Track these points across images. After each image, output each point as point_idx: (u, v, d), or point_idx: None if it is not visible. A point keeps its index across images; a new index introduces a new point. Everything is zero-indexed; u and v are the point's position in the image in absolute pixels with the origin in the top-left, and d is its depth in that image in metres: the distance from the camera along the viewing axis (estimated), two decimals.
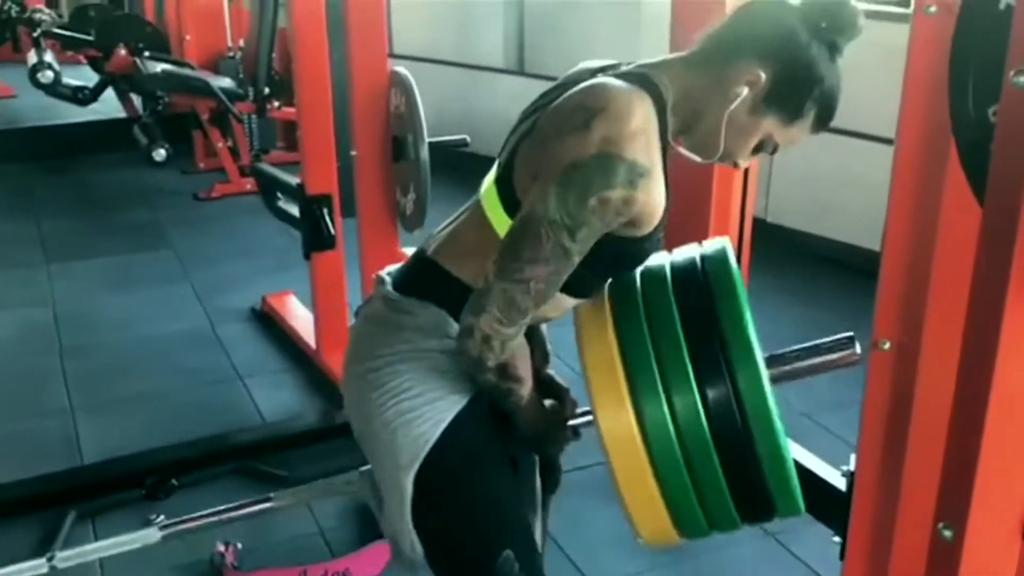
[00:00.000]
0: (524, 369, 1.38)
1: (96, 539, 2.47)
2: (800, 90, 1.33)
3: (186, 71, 5.33)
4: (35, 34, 5.58)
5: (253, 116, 5.53)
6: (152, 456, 2.76)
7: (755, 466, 1.22)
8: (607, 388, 1.21)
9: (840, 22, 1.34)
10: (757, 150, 1.40)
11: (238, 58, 5.72)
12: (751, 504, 1.27)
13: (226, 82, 5.27)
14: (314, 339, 3.40)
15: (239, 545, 2.41)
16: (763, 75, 1.32)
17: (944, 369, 1.57)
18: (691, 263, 1.31)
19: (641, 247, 1.36)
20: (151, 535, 1.91)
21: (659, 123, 1.30)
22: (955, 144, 1.24)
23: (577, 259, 1.27)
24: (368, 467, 1.63)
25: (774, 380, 1.33)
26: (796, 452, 2.11)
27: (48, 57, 5.46)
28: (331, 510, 2.63)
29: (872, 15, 4.17)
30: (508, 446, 1.53)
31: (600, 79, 1.31)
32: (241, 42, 5.79)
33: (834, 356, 1.44)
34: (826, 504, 2.05)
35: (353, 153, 2.77)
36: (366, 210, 2.82)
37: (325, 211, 3.19)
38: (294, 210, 3.41)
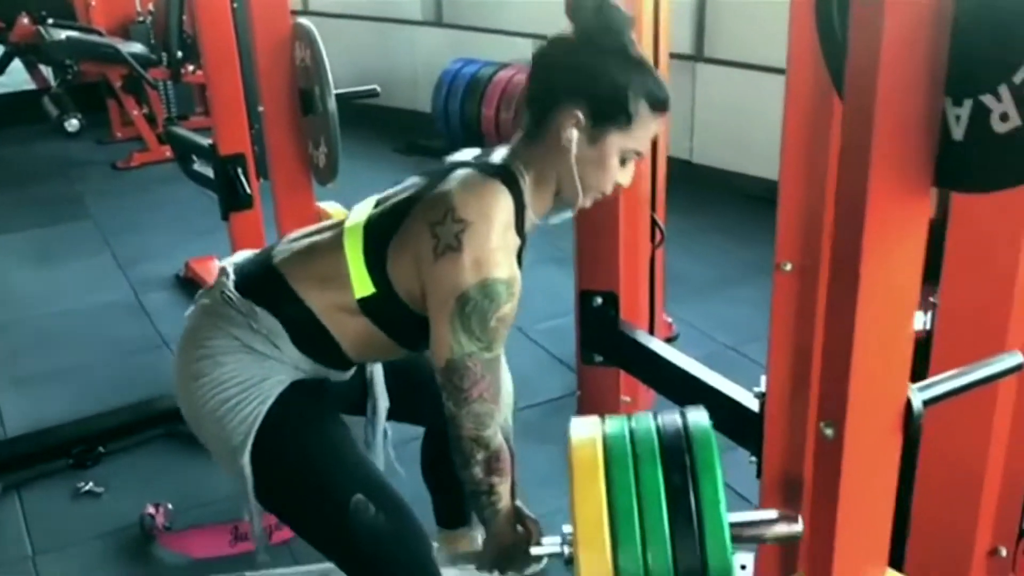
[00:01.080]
0: (506, 464, 1.55)
1: (22, 511, 2.46)
2: (616, 101, 1.44)
3: (93, 37, 5.19)
4: None
5: (168, 82, 5.42)
6: (78, 426, 2.73)
7: None
8: (592, 533, 1.32)
9: (613, 27, 1.44)
10: (623, 163, 1.52)
11: (149, 23, 5.59)
12: None
13: (137, 47, 5.16)
14: None
15: (170, 506, 2.41)
16: (579, 112, 1.44)
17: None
18: (677, 436, 1.43)
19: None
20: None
21: (517, 213, 1.47)
22: (822, 53, 1.26)
23: (501, 354, 1.49)
24: None
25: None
26: (713, 379, 2.18)
27: None
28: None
29: None
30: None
31: (465, 176, 1.47)
32: (150, 6, 5.65)
33: (782, 532, 1.63)
34: (742, 426, 2.11)
35: (261, 109, 2.73)
36: (278, 165, 2.79)
37: (239, 171, 3.15)
38: (207, 171, 3.37)
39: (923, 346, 1.61)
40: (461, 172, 1.48)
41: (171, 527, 2.37)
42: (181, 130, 3.65)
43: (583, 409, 2.54)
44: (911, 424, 1.21)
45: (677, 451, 1.41)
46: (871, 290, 1.09)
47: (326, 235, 1.57)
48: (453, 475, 1.92)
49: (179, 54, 5.13)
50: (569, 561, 1.37)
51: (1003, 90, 0.97)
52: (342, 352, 1.55)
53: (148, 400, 2.87)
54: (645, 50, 2.26)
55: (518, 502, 1.69)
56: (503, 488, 1.55)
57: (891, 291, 1.12)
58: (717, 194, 4.44)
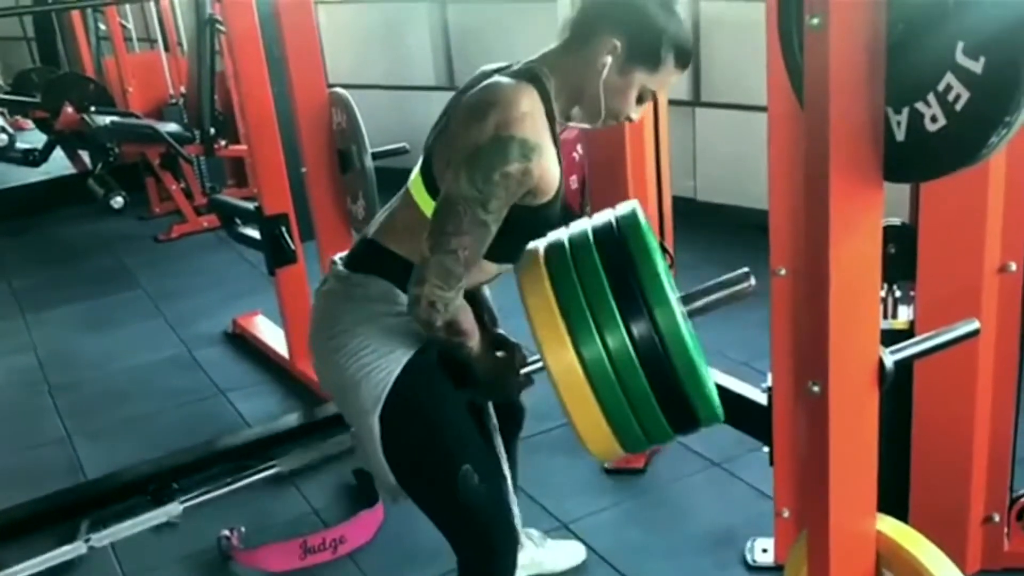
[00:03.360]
0: (468, 323, 1.64)
1: (112, 544, 2.71)
2: (652, 43, 1.63)
3: (133, 120, 5.55)
4: None
5: (201, 157, 5.76)
6: (151, 465, 2.99)
7: (677, 382, 1.47)
8: (550, 334, 1.46)
9: None
10: (640, 101, 1.71)
11: (181, 104, 5.95)
12: (678, 415, 1.52)
13: (172, 127, 5.50)
14: (286, 350, 3.65)
15: (242, 529, 2.65)
16: (617, 43, 1.62)
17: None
18: (608, 224, 1.56)
19: (544, 214, 1.66)
20: (174, 509, 2.15)
21: (545, 107, 1.62)
22: (788, 77, 1.53)
23: (494, 228, 1.57)
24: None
25: (688, 315, 1.60)
26: (723, 380, 2.41)
27: (0, 122, 5.67)
28: (320, 491, 2.89)
29: None
30: (464, 394, 1.80)
31: (494, 79, 1.64)
32: (182, 88, 6.01)
33: (734, 288, 1.69)
34: (753, 420, 2.34)
35: (304, 169, 3.03)
36: (321, 219, 3.08)
37: (283, 229, 3.45)
38: (252, 232, 3.67)
39: (910, 335, 1.85)
40: (485, 81, 1.63)
41: (245, 546, 2.61)
42: (224, 197, 3.96)
43: None
44: (884, 380, 1.45)
45: (608, 234, 1.52)
46: (839, 264, 1.34)
47: (400, 198, 1.75)
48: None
49: (212, 130, 5.47)
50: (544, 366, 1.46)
51: (931, 97, 1.22)
52: None
53: (213, 439, 3.14)
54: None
55: (499, 330, 1.84)
56: (471, 342, 1.64)
57: (857, 264, 1.36)
58: (721, 227, 4.68)
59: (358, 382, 1.68)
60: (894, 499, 1.83)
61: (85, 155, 6.38)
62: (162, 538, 2.72)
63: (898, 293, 2.18)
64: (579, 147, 5.08)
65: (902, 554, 1.49)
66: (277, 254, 3.45)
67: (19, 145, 5.93)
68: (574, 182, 5.09)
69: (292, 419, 3.27)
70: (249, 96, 3.31)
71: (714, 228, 4.67)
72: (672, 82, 1.72)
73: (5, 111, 6.03)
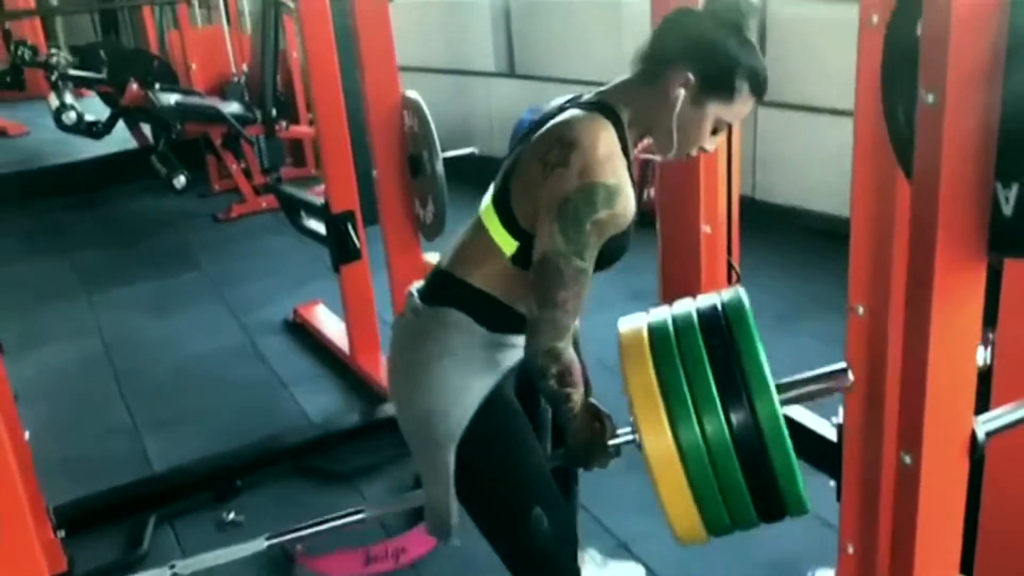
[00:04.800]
0: (577, 374, 1.65)
1: (177, 541, 2.77)
2: (726, 75, 1.61)
3: (197, 100, 5.60)
4: (53, 78, 5.84)
5: (262, 137, 5.81)
6: (216, 461, 3.04)
7: (771, 477, 1.49)
8: (650, 415, 1.47)
9: (738, 9, 1.61)
10: (715, 132, 1.69)
11: (242, 82, 5.99)
12: (767, 506, 1.54)
13: (235, 107, 5.55)
14: (347, 345, 3.68)
15: None
16: (691, 75, 1.60)
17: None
18: (713, 309, 1.56)
19: (622, 242, 1.65)
20: (259, 544, 2.21)
21: (620, 141, 1.60)
22: (889, 136, 1.50)
23: (592, 271, 1.57)
24: None
25: (781, 403, 1.57)
26: (793, 411, 2.39)
27: (69, 99, 5.75)
28: (381, 494, 2.92)
29: None
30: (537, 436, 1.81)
31: (570, 114, 1.62)
32: (244, 67, 6.05)
33: (831, 383, 1.75)
34: (821, 453, 2.32)
35: (375, 172, 3.04)
36: (390, 224, 3.09)
37: (349, 225, 3.47)
38: (316, 226, 3.68)
39: (984, 377, 1.82)
40: (561, 115, 1.62)
41: (309, 551, 2.65)
42: (290, 188, 3.99)
43: None
44: (975, 451, 1.44)
45: (714, 320, 1.52)
46: (940, 339, 1.33)
47: (471, 228, 1.73)
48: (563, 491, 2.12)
49: (273, 112, 5.51)
50: (640, 446, 1.47)
51: None
52: (518, 313, 1.65)
53: (276, 436, 3.19)
54: None
55: (592, 399, 1.81)
56: (577, 395, 1.64)
57: (956, 339, 1.35)
58: (778, 229, 4.63)
59: (437, 416, 1.69)
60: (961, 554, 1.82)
61: (146, 128, 6.46)
62: (228, 537, 2.76)
63: None
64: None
65: None
66: (342, 251, 3.48)
67: (86, 118, 6.00)
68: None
69: (354, 418, 3.30)
70: (321, 94, 3.32)
71: (772, 229, 4.62)
72: (748, 110, 1.69)
73: (71, 83, 6.09)
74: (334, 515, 2.51)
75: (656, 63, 1.64)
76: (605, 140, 1.56)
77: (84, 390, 3.77)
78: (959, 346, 1.36)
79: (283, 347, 3.99)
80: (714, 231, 2.68)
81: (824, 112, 4.42)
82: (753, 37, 1.63)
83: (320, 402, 3.51)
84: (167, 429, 3.39)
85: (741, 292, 1.59)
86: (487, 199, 1.72)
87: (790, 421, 2.37)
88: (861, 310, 2.13)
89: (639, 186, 1.67)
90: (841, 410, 2.23)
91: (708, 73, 1.60)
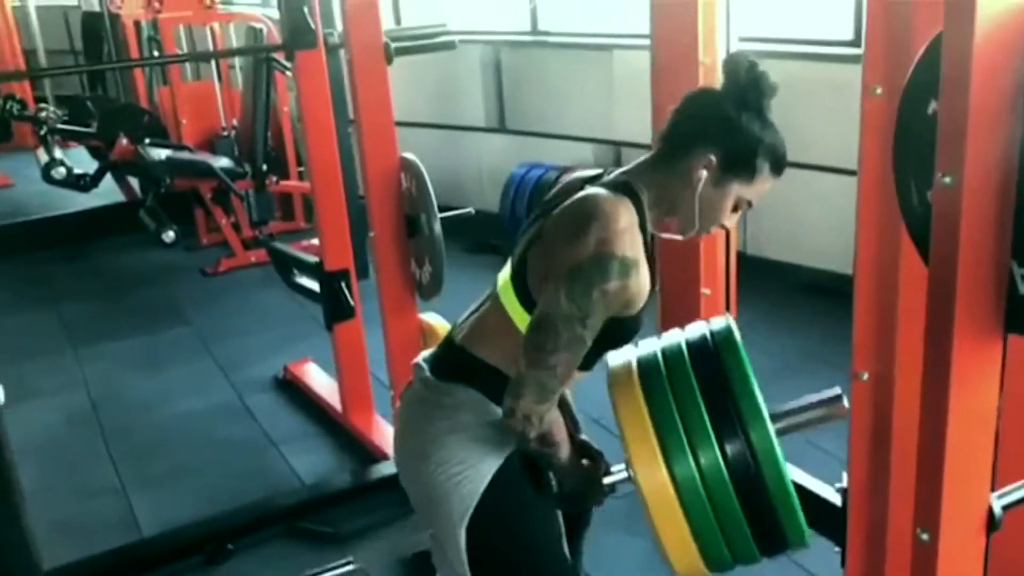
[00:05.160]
0: (560, 435, 1.62)
1: None
2: (747, 155, 1.62)
3: (187, 155, 5.60)
4: (42, 132, 5.84)
5: (250, 191, 5.80)
6: (206, 525, 2.99)
7: (769, 507, 1.46)
8: (643, 451, 1.44)
9: (759, 89, 1.62)
10: (735, 209, 1.70)
11: (232, 136, 5.99)
12: (767, 539, 1.50)
13: (225, 162, 5.54)
14: (339, 403, 3.65)
15: None
16: (713, 157, 1.61)
17: (915, 393, 1.86)
18: (703, 339, 1.53)
19: (632, 324, 1.65)
20: None
21: (640, 221, 1.60)
22: (904, 219, 1.51)
23: (589, 342, 1.54)
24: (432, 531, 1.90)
25: (776, 433, 1.55)
26: (796, 475, 2.37)
27: (58, 154, 5.74)
28: (381, 562, 2.87)
29: (827, 57, 4.51)
30: (546, 499, 1.79)
31: (590, 191, 1.62)
32: (234, 121, 6.06)
33: (826, 410, 1.67)
34: (825, 518, 2.31)
35: (372, 234, 3.03)
36: (386, 284, 3.07)
37: (344, 284, 3.46)
38: (309, 283, 3.67)
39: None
40: (582, 192, 1.61)
41: None
42: (282, 246, 3.97)
43: None
44: (992, 527, 1.43)
45: (703, 349, 1.49)
46: (958, 417, 1.32)
47: (487, 304, 1.73)
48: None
49: (264, 167, 5.51)
50: (634, 480, 1.45)
51: None
52: None
53: (267, 498, 3.14)
54: None
55: (583, 436, 1.80)
56: (562, 451, 1.61)
57: (974, 416, 1.35)
58: (770, 284, 4.64)
59: (447, 493, 1.66)
60: None
61: (134, 181, 6.44)
62: None
63: None
64: None
65: None
66: (336, 309, 3.46)
67: (74, 171, 5.99)
68: None
69: (346, 478, 3.26)
70: (316, 152, 3.33)
71: (763, 285, 4.63)
72: (768, 188, 1.70)
73: (58, 136, 6.08)
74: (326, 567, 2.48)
75: (678, 144, 1.65)
76: (626, 216, 1.55)
77: (71, 448, 3.71)
78: (977, 424, 1.36)
79: (273, 405, 3.95)
80: (714, 293, 2.69)
81: (814, 169, 4.47)
82: (770, 112, 1.65)
83: (311, 461, 3.48)
84: (156, 489, 3.34)
85: (730, 321, 1.57)
86: (504, 275, 1.71)
87: (794, 485, 2.39)
88: (865, 376, 2.14)
89: (652, 265, 1.66)
90: (845, 475, 2.22)
91: (730, 155, 1.61)
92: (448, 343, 1.77)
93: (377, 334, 3.26)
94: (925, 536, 1.39)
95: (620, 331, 1.62)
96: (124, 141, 5.60)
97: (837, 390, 1.70)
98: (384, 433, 3.44)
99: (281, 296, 4.99)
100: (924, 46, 1.42)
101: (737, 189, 1.65)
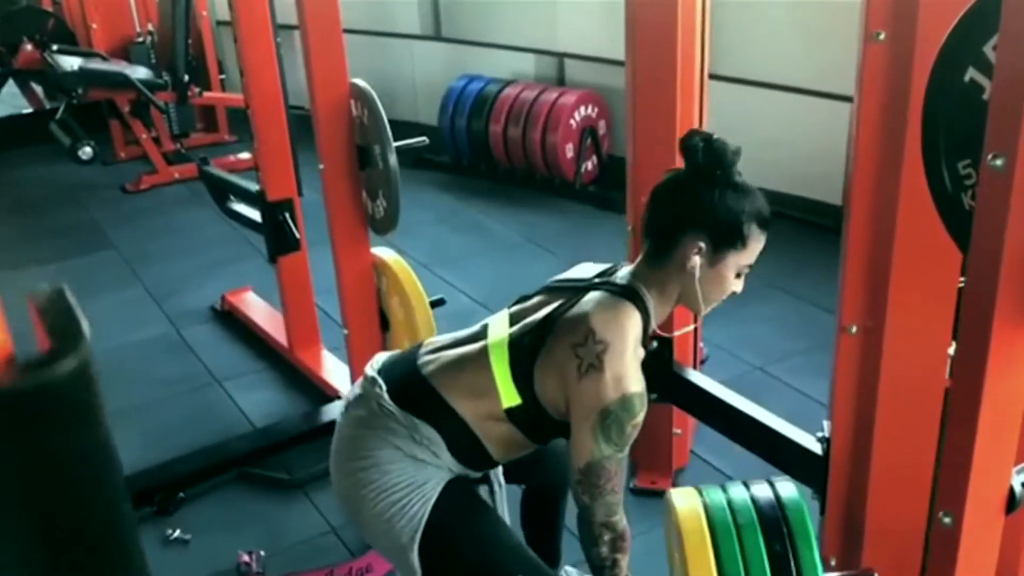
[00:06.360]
0: (628, 543, 1.73)
1: None
2: (734, 229, 1.65)
3: (103, 65, 5.23)
4: None
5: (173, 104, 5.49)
6: (157, 473, 2.85)
7: None
8: None
9: (722, 164, 1.64)
10: (738, 276, 1.74)
11: (148, 43, 5.63)
12: None
13: (143, 72, 5.20)
14: (286, 337, 3.51)
15: (262, 552, 2.55)
16: (701, 244, 1.65)
17: (905, 347, 1.83)
18: (771, 505, 1.57)
19: None
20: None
21: (644, 325, 1.66)
22: (930, 194, 1.44)
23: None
24: None
25: None
26: (776, 423, 2.35)
27: None
28: (336, 504, 2.78)
29: None
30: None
31: (598, 299, 1.65)
32: (150, 26, 5.68)
33: None
34: (806, 468, 2.30)
35: (320, 167, 2.85)
36: (336, 218, 2.90)
37: (288, 215, 3.28)
38: (247, 211, 3.47)
39: None
40: (594, 294, 1.66)
41: (265, 573, 2.52)
42: (217, 171, 3.74)
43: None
44: (1013, 506, 1.41)
45: (774, 520, 1.55)
46: (991, 404, 1.29)
47: (470, 348, 1.71)
48: (550, 526, 2.11)
49: (186, 77, 5.19)
50: None
51: None
52: (490, 456, 1.73)
53: (219, 444, 3.01)
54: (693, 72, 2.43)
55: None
56: (624, 562, 1.73)
57: (1007, 403, 1.32)
58: None
59: (390, 519, 1.67)
60: None
61: (39, 89, 6.04)
62: (174, 556, 2.62)
63: None
64: (580, 110, 4.93)
65: None
66: (280, 242, 3.29)
67: None
68: (570, 150, 4.96)
69: (299, 421, 3.14)
70: (255, 77, 3.11)
71: None
72: (762, 244, 1.73)
73: None
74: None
75: (665, 240, 1.69)
76: (633, 335, 1.62)
77: None
78: (1007, 409, 1.33)
79: (213, 337, 3.78)
80: None
81: (770, 87, 4.38)
82: (740, 177, 1.68)
83: (259, 399, 3.34)
84: None
85: (798, 495, 1.61)
86: (500, 333, 1.71)
87: (772, 433, 2.37)
88: (854, 329, 2.10)
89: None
90: (826, 424, 2.21)
91: (717, 234, 1.65)
92: (413, 372, 1.73)
93: (318, 259, 3.11)
94: (948, 520, 1.37)
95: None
96: (28, 47, 5.20)
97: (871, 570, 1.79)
98: (333, 370, 3.33)
99: (211, 215, 4.76)
100: (963, 10, 1.33)
101: (733, 260, 1.69)
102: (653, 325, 1.72)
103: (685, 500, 1.59)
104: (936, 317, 1.75)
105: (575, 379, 1.61)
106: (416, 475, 1.66)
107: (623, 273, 1.75)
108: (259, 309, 3.82)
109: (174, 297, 4.10)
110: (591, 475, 1.64)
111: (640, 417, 1.64)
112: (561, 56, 5.16)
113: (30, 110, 6.05)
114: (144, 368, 3.56)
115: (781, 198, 4.12)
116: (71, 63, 5.01)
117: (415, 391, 1.70)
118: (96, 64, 5.19)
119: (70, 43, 5.52)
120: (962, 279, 1.71)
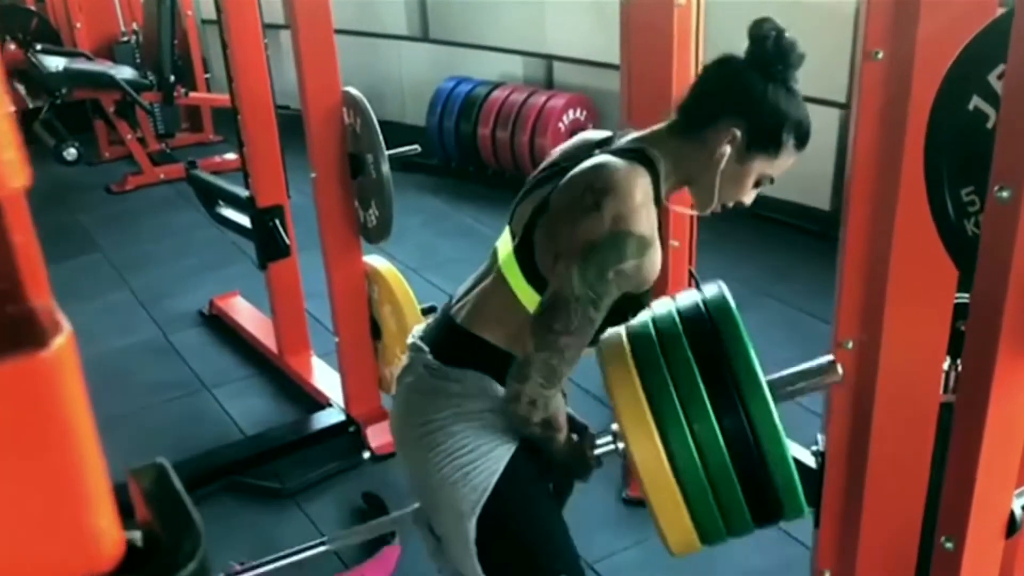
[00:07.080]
0: (563, 419, 1.55)
1: None
2: (773, 130, 1.52)
3: (88, 65, 5.18)
4: None
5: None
6: None
7: (767, 480, 1.42)
8: (638, 426, 1.38)
9: (787, 61, 1.51)
10: (756, 185, 1.61)
11: (133, 43, 5.58)
12: (763, 510, 1.47)
13: (128, 72, 5.16)
14: (275, 343, 3.49)
15: (254, 563, 2.53)
16: (738, 132, 1.51)
17: (902, 363, 1.84)
18: (696, 309, 1.45)
19: (642, 300, 1.55)
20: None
21: (654, 192, 1.50)
22: (933, 220, 1.44)
23: (599, 323, 1.46)
24: (416, 507, 1.82)
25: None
26: None
27: None
28: (331, 517, 2.78)
29: None
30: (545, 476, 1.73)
31: (603, 159, 1.50)
32: (135, 25, 5.63)
33: (821, 378, 1.65)
34: (800, 478, 2.31)
35: (313, 176, 2.83)
36: (328, 227, 2.89)
37: (278, 222, 3.26)
38: (237, 216, 3.44)
39: None
40: (594, 158, 1.51)
41: None
42: (206, 175, 3.71)
43: None
44: (1013, 529, 1.41)
45: (699, 321, 1.43)
46: (994, 432, 1.29)
47: (487, 281, 1.62)
48: None
49: (171, 77, 5.15)
50: (624, 455, 1.40)
51: None
52: None
53: (209, 452, 2.99)
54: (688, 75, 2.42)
55: (568, 409, 1.73)
56: (561, 435, 1.56)
57: (1009, 430, 1.32)
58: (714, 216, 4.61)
59: (455, 483, 1.58)
60: None
61: (21, 87, 5.97)
62: None
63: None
64: (569, 113, 4.92)
65: None
66: (270, 248, 3.27)
67: None
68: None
69: (290, 429, 3.12)
70: (245, 80, 3.09)
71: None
72: (791, 163, 1.61)
73: None
74: (299, 547, 2.39)
75: (700, 118, 1.54)
76: (642, 189, 1.45)
77: None
78: (1010, 437, 1.33)
79: (201, 343, 3.75)
80: (682, 244, 2.63)
81: None
82: (796, 84, 1.54)
83: (248, 406, 3.32)
84: None
85: (724, 290, 1.48)
86: (506, 246, 1.60)
87: None
88: (850, 344, 2.10)
89: (663, 239, 1.56)
90: (821, 438, 2.21)
91: (756, 130, 1.51)
92: (448, 323, 1.65)
93: (308, 263, 3.09)
94: (949, 544, 1.37)
95: (629, 307, 1.53)
96: (12, 46, 5.14)
97: (830, 357, 1.67)
98: (323, 377, 3.31)
99: (197, 217, 4.72)
100: (970, 37, 1.33)
101: (760, 165, 1.56)
102: (663, 198, 1.55)
103: (611, 332, 1.48)
104: (931, 332, 1.75)
105: (569, 230, 1.44)
106: (482, 439, 1.56)
107: (633, 135, 1.59)
108: (248, 314, 3.80)
109: (162, 301, 4.07)
110: (548, 312, 1.43)
111: (629, 264, 1.43)
112: (549, 58, 5.15)
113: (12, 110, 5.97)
114: (131, 374, 3.53)
115: (768, 202, 4.13)
116: (56, 63, 4.96)
117: (454, 343, 1.62)
118: (81, 64, 5.14)
119: (54, 42, 5.46)
120: (959, 295, 1.73)
